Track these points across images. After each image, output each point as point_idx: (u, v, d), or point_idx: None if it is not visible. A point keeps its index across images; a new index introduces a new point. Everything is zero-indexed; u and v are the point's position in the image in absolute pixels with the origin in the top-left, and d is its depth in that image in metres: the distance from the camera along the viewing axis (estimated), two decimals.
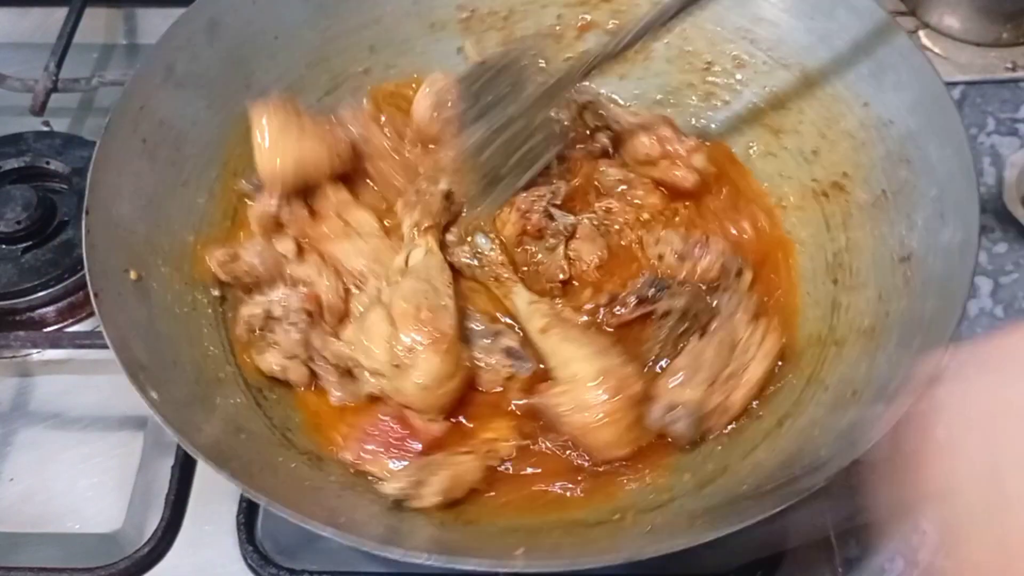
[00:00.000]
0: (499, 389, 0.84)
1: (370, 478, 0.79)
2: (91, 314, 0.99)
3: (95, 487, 0.88)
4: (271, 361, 0.83)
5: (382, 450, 0.79)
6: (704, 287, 0.88)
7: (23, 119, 1.10)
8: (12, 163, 1.05)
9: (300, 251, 0.89)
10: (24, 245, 0.99)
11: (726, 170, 0.98)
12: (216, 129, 0.92)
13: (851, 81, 0.92)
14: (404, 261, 0.86)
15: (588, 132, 1.00)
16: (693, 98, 1.03)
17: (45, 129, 1.11)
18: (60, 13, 1.17)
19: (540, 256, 0.92)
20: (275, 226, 0.91)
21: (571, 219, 0.92)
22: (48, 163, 1.06)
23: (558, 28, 1.05)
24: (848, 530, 0.79)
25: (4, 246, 1.00)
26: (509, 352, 0.84)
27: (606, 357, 0.79)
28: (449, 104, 0.96)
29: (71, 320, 0.99)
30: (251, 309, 0.84)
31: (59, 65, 1.11)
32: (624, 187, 0.97)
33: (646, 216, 0.95)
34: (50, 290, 0.98)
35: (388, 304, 0.80)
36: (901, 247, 0.83)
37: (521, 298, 0.86)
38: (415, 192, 0.92)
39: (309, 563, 0.82)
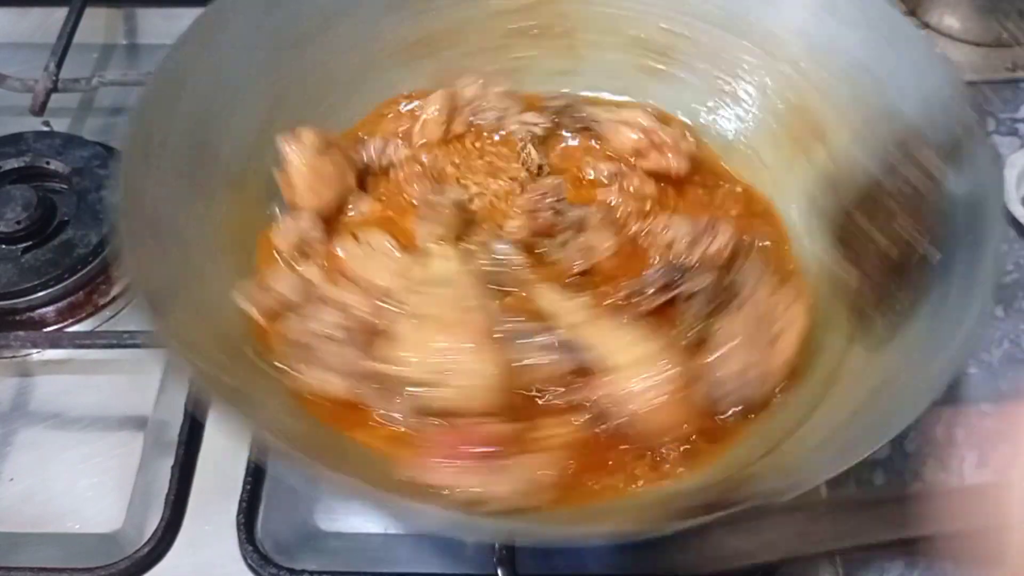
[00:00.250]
0: (544, 386, 0.83)
1: (435, 490, 0.76)
2: (91, 314, 0.99)
3: (95, 487, 0.88)
4: (316, 380, 0.81)
5: (442, 461, 0.77)
6: (721, 267, 0.88)
7: (23, 119, 1.10)
8: (12, 163, 1.05)
9: (326, 275, 0.88)
10: (24, 245, 0.99)
11: (714, 156, 1.00)
12: (204, 205, 0.86)
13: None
14: (427, 271, 0.85)
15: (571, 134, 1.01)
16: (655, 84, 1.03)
17: (45, 129, 1.11)
18: (60, 13, 1.17)
19: (553, 253, 0.92)
20: (301, 250, 0.90)
21: (580, 211, 0.92)
22: (48, 163, 1.05)
23: (498, 43, 1.03)
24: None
25: (4, 246, 1.00)
26: (549, 348, 0.83)
27: (647, 343, 0.80)
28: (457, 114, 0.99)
29: (71, 320, 0.99)
30: (292, 328, 0.82)
31: (59, 65, 1.11)
32: (619, 180, 0.97)
33: (649, 205, 0.95)
34: (50, 290, 0.97)
35: (418, 315, 0.80)
36: None
37: (550, 297, 0.86)
38: (426, 205, 0.91)
39: (309, 563, 0.82)
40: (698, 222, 0.91)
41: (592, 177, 0.98)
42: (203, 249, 0.84)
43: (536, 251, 0.92)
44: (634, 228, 0.93)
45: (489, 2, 1.01)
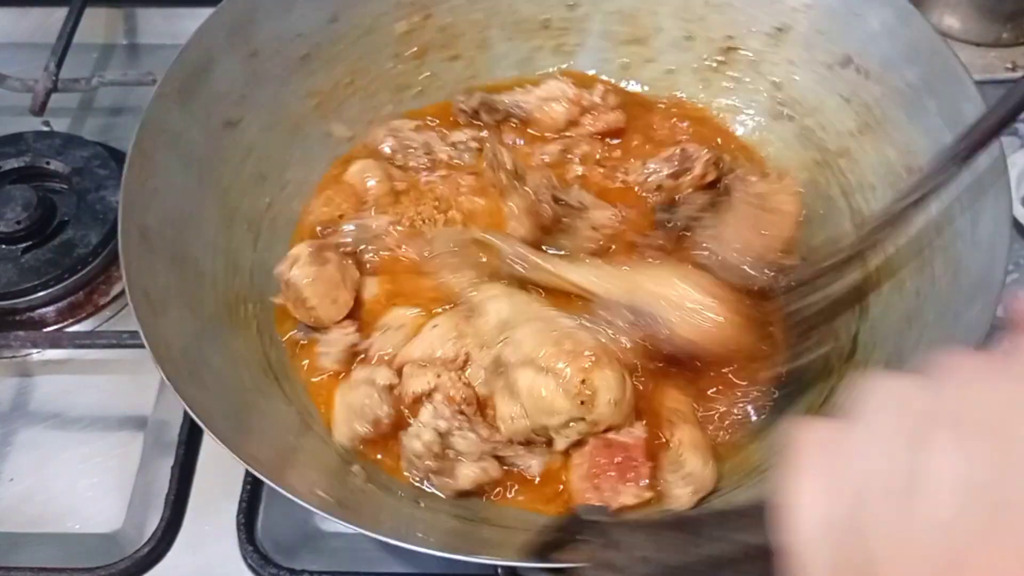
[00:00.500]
0: (643, 363, 0.82)
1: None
2: (91, 314, 0.99)
3: (95, 487, 0.88)
4: (468, 475, 0.77)
5: (616, 481, 0.76)
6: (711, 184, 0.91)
7: (23, 119, 1.10)
8: (12, 163, 1.05)
9: (396, 371, 0.83)
10: (24, 245, 0.99)
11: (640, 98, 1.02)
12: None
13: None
14: (494, 317, 0.82)
15: (495, 125, 0.99)
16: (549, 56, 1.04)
17: (45, 129, 1.11)
18: (60, 13, 1.17)
19: (565, 244, 0.90)
20: (353, 359, 0.85)
21: (576, 193, 0.90)
22: (48, 163, 1.06)
23: (400, 67, 1.01)
24: None
25: (4, 246, 1.00)
26: (630, 324, 0.81)
27: (689, 274, 0.81)
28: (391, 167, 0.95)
29: (71, 320, 0.99)
30: (421, 438, 0.77)
31: (59, 65, 1.11)
32: (571, 153, 0.96)
33: (618, 160, 0.95)
34: (50, 290, 0.98)
35: (525, 360, 0.76)
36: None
37: (582, 276, 0.85)
38: (449, 256, 0.88)
39: (309, 563, 0.82)
40: (670, 157, 0.92)
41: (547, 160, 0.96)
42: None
43: (544, 247, 0.89)
44: (615, 185, 0.93)
45: (376, 35, 0.99)
